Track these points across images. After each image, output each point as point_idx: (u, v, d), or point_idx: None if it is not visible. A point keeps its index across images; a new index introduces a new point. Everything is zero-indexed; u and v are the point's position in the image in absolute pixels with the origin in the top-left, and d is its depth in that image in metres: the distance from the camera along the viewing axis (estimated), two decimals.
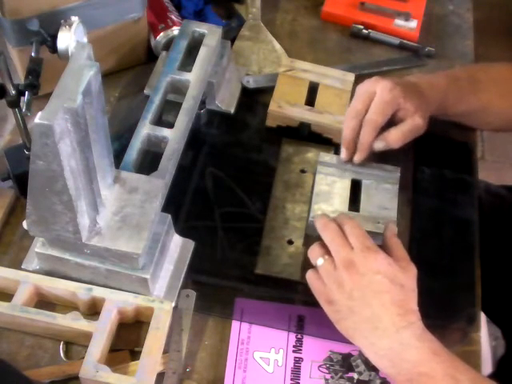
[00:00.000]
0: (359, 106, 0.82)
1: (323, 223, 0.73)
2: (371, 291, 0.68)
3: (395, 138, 0.81)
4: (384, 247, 0.72)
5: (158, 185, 0.74)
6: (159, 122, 0.83)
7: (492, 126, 0.97)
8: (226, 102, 0.94)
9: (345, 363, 0.75)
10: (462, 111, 0.89)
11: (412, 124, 0.82)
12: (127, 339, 0.75)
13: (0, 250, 0.81)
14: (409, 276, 0.69)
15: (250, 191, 0.86)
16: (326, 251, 0.71)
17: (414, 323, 0.67)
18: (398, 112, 0.82)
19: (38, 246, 0.74)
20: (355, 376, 0.74)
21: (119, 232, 0.71)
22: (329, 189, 0.82)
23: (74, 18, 0.74)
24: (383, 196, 0.81)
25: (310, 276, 0.72)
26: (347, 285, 0.68)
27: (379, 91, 0.81)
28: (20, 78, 0.89)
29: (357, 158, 0.82)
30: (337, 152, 0.89)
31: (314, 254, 0.72)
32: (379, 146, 0.82)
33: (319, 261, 0.71)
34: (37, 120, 0.58)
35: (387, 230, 0.74)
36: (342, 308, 0.69)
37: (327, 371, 0.74)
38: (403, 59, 1.05)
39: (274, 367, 0.74)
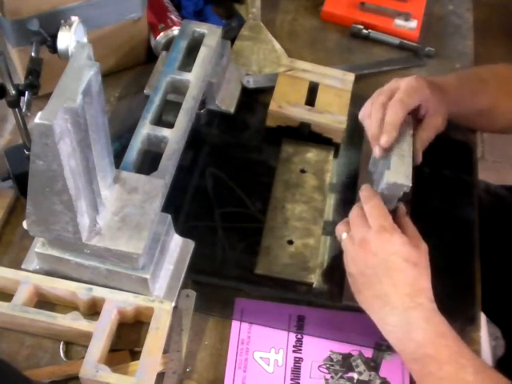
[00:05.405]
0: (384, 99, 0.77)
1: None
2: (383, 270, 0.69)
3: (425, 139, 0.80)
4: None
5: (158, 185, 0.74)
6: (159, 122, 0.83)
7: (498, 127, 0.96)
8: (226, 102, 0.94)
9: (345, 363, 0.75)
10: (471, 112, 0.88)
11: (435, 125, 0.81)
12: (127, 339, 0.75)
13: (0, 250, 0.81)
14: (422, 253, 0.71)
15: (250, 191, 0.86)
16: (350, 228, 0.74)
17: (423, 304, 0.68)
18: (421, 109, 0.79)
19: (38, 246, 0.74)
20: (355, 376, 0.74)
21: (119, 232, 0.71)
22: None
23: (74, 18, 0.74)
24: None
25: (342, 245, 0.76)
26: (360, 261, 0.71)
27: (405, 82, 0.78)
28: (20, 78, 0.89)
29: (384, 140, 0.74)
30: (337, 152, 0.89)
31: (340, 229, 0.76)
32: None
33: (343, 235, 0.75)
34: (37, 120, 0.58)
35: (398, 210, 0.75)
36: (356, 281, 0.72)
37: (327, 371, 0.74)
38: (403, 59, 1.05)
39: (274, 367, 0.74)
